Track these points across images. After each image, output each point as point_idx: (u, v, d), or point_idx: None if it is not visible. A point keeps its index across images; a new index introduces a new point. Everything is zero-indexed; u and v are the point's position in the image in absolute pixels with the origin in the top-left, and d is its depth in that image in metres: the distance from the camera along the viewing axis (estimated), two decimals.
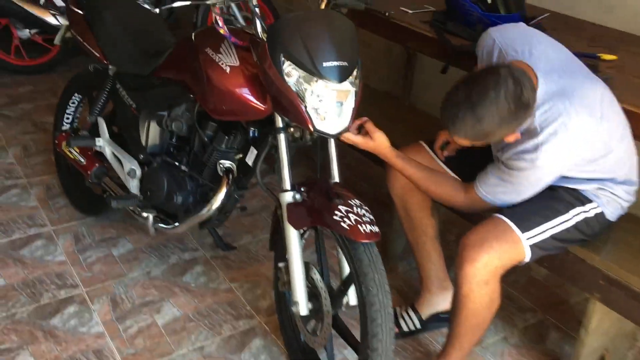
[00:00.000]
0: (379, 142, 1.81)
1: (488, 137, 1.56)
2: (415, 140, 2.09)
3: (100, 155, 2.37)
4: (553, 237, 1.69)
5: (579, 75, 1.67)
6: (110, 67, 2.26)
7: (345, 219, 1.55)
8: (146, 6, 1.74)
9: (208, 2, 1.68)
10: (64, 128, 2.63)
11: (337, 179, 1.80)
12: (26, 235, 2.51)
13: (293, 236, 1.71)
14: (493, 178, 1.71)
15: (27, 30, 3.88)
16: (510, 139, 1.58)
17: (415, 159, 1.91)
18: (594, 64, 1.99)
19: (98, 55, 2.28)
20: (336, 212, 1.57)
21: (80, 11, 2.34)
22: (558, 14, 2.60)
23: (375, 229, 1.57)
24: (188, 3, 1.69)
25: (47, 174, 2.89)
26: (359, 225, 1.55)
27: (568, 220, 1.70)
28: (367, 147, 1.83)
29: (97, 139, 2.33)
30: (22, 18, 3.78)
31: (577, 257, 1.77)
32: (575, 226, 1.71)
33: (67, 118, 2.64)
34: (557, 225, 1.69)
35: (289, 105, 1.61)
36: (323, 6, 1.85)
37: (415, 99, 3.56)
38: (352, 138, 1.80)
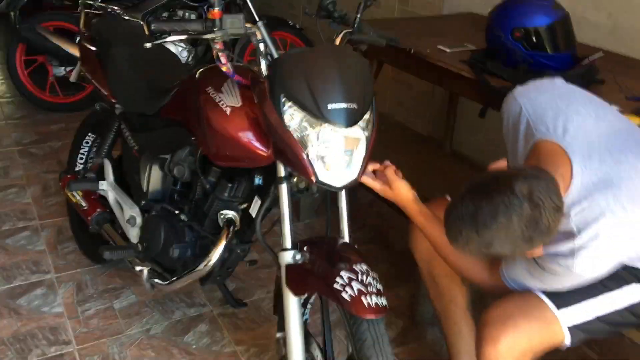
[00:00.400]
0: (398, 192, 1.56)
1: (500, 257, 1.29)
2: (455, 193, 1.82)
3: (104, 200, 2.21)
4: (600, 319, 1.39)
5: (627, 153, 1.34)
6: (116, 105, 2.12)
7: (347, 289, 1.31)
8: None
9: (206, 36, 1.51)
10: (77, 169, 2.50)
11: (346, 238, 1.57)
12: (27, 282, 2.35)
13: (292, 303, 1.47)
14: (521, 270, 1.41)
15: (63, 67, 3.86)
16: (529, 255, 1.31)
17: (440, 216, 1.65)
18: None
19: (106, 93, 2.14)
20: (337, 279, 1.33)
21: (92, 47, 2.23)
22: (613, 53, 2.31)
23: (383, 301, 1.32)
24: (183, 37, 1.51)
25: (62, 216, 2.76)
26: (362, 297, 1.30)
27: (619, 299, 1.40)
28: (385, 196, 1.59)
29: (100, 183, 2.17)
30: (58, 55, 3.76)
31: (634, 343, 1.46)
32: (629, 309, 1.40)
33: (81, 159, 2.51)
34: (604, 304, 1.39)
35: (290, 153, 1.40)
36: (338, 41, 1.65)
37: (458, 143, 3.30)
38: (370, 182, 1.56)
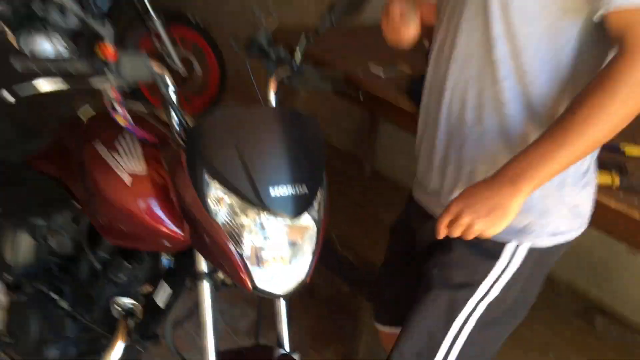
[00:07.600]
0: None
1: None
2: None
3: None
4: None
5: None
6: None
7: None
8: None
9: (95, 84, 1.08)
10: None
11: (286, 348, 1.22)
12: None
13: None
14: None
15: None
16: None
17: None
18: (616, 160, 1.47)
19: None
20: None
21: None
22: None
23: None
24: (60, 87, 1.08)
25: None
26: None
27: None
28: None
29: None
30: None
31: None
32: None
33: None
34: None
35: (215, 248, 1.03)
36: (273, 87, 1.27)
37: (380, 163, 3.06)
38: None
